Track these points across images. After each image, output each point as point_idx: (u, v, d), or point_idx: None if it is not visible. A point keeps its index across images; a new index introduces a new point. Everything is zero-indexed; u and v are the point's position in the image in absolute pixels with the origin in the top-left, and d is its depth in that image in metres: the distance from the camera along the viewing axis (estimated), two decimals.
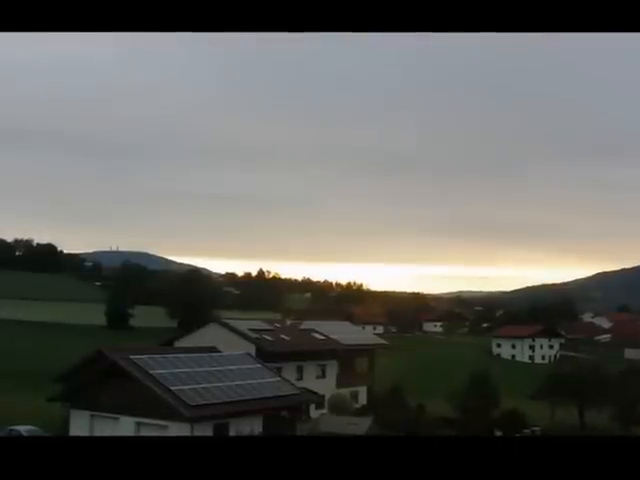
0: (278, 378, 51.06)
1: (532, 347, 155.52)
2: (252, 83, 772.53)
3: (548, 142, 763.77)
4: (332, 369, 65.57)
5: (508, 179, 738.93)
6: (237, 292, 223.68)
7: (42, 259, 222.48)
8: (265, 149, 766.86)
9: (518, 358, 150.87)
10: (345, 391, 63.47)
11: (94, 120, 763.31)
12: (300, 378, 59.68)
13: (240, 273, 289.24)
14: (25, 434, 43.29)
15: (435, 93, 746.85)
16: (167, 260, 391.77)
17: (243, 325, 60.95)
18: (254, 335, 58.45)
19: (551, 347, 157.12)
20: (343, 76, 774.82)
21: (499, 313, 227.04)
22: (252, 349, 55.08)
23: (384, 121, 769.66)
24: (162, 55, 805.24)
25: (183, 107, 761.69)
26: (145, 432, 39.66)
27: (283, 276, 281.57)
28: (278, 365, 55.57)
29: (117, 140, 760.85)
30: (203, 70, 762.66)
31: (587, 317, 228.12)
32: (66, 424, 44.39)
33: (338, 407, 57.39)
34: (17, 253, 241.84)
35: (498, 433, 55.80)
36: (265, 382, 48.69)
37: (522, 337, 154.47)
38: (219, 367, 47.54)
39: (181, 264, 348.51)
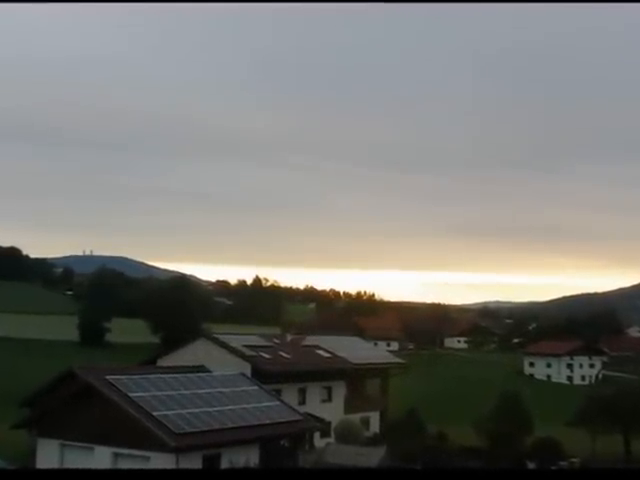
0: (277, 402, 51.10)
1: (570, 366, 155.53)
2: (249, 72, 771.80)
3: (594, 138, 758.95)
4: (339, 391, 65.55)
5: (546, 176, 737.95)
6: (230, 303, 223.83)
7: (4, 264, 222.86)
8: (264, 143, 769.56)
9: (554, 379, 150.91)
10: (354, 417, 63.42)
11: (66, 112, 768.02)
12: (303, 402, 59.68)
13: (233, 281, 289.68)
14: None
15: (459, 83, 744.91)
16: (149, 266, 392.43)
17: (237, 341, 60.90)
18: (249, 352, 58.44)
19: (592, 366, 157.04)
20: (345, 68, 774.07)
21: (532, 327, 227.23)
22: (247, 368, 55.08)
23: (398, 113, 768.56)
24: (152, 51, 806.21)
25: (172, 97, 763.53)
26: (124, 464, 39.64)
27: (283, 284, 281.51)
28: (277, 387, 55.57)
29: (93, 133, 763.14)
30: (192, 58, 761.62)
31: (634, 331, 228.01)
32: (33, 455, 44.43)
33: (346, 435, 57.34)
34: None
35: (531, 465, 55.82)
36: (262, 406, 48.73)
37: (559, 354, 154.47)
38: (209, 389, 47.59)
39: (165, 270, 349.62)
